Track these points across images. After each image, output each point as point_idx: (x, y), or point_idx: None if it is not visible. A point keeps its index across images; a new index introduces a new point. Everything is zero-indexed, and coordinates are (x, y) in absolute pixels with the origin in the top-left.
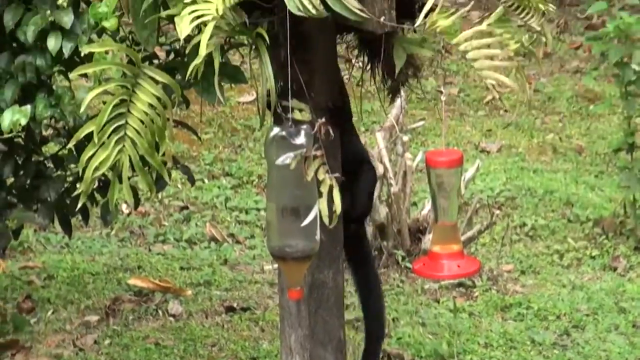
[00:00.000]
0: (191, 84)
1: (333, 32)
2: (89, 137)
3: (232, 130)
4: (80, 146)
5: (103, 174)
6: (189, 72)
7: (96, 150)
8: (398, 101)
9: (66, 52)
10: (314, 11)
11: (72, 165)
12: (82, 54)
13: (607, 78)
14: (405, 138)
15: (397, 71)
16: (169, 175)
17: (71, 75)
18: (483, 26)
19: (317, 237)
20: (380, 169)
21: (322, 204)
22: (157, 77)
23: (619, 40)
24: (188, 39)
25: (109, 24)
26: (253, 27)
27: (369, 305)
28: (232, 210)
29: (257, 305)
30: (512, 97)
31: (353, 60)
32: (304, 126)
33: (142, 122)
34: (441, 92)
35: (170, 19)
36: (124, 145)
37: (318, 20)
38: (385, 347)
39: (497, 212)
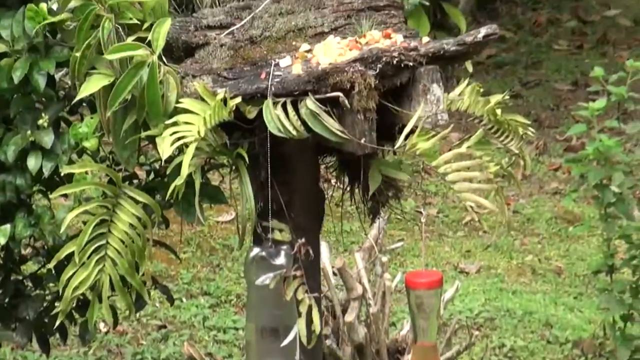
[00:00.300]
0: (171, 204)
1: (313, 152)
2: (68, 256)
3: (211, 250)
4: (60, 265)
5: (82, 293)
6: (169, 193)
7: (76, 270)
8: (377, 222)
9: (46, 171)
10: (294, 132)
11: (51, 284)
12: (62, 174)
13: (587, 200)
14: (384, 259)
15: (370, 193)
16: (148, 294)
17: (51, 196)
18: (463, 149)
19: (297, 357)
20: (359, 290)
21: (301, 324)
22: (138, 197)
23: (598, 162)
24: (169, 159)
25: (90, 144)
26: (233, 147)
27: None
28: (210, 329)
29: None
30: (491, 218)
31: (332, 181)
32: (284, 246)
33: (122, 242)
34: (420, 213)
35: (151, 140)
36: (104, 265)
37: (298, 141)
38: None
39: (476, 332)
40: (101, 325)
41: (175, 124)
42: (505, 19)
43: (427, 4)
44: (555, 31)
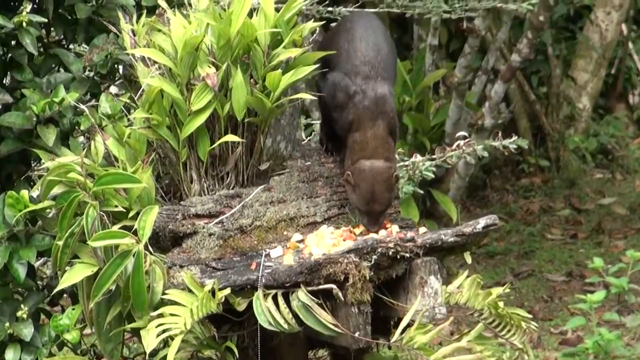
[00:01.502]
0: None
1: (305, 346)
2: None
3: None
4: None
5: None
6: None
7: None
8: None
9: None
10: (286, 326)
11: None
12: None
13: None
14: None
15: None
16: None
17: None
18: (463, 342)
19: None
20: None
21: None
22: None
23: (597, 356)
24: (153, 352)
25: (71, 336)
26: (222, 340)
27: None
28: None
29: None
30: None
31: None
32: None
33: None
34: None
35: (135, 332)
36: None
37: (290, 335)
38: None
39: None
40: None
41: (161, 315)
42: (496, 207)
43: (421, 192)
44: (548, 220)
